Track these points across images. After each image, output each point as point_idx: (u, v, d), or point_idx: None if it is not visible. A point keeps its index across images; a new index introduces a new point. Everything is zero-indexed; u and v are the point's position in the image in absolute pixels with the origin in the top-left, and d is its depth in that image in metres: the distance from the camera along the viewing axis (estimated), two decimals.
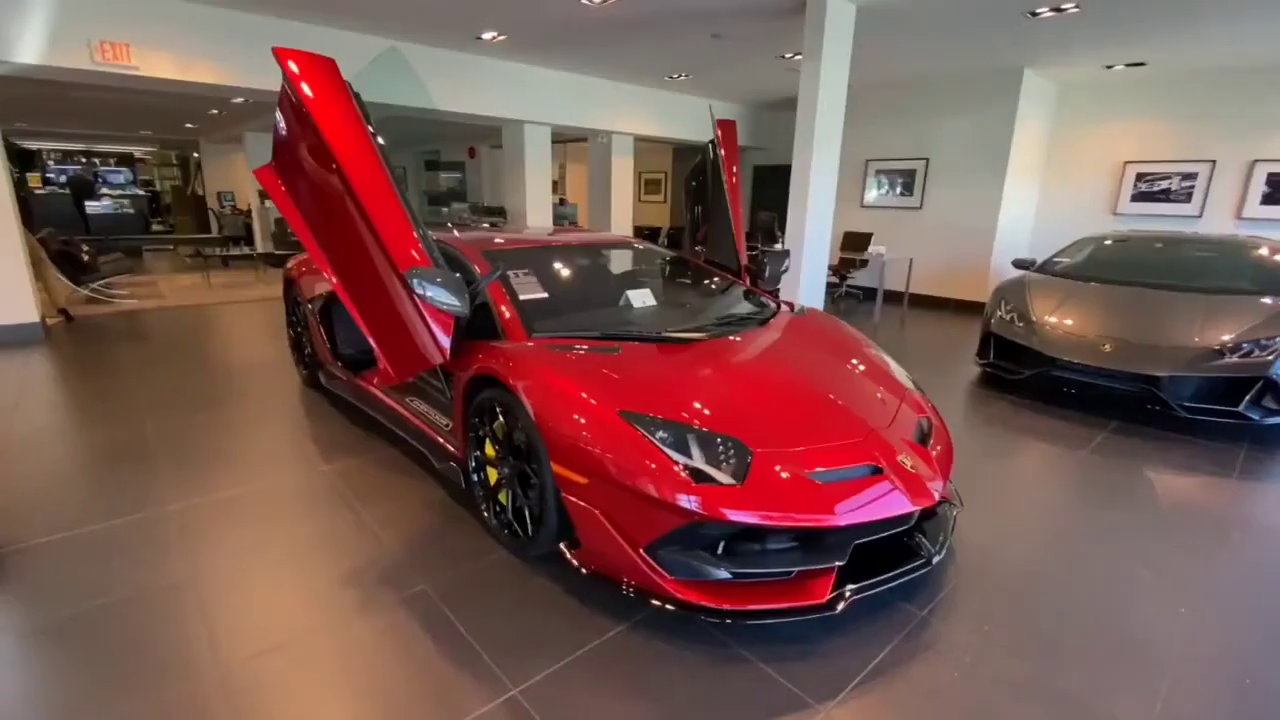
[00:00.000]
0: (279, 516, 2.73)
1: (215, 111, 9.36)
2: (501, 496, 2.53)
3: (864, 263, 8.42)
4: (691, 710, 1.75)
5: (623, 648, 1.98)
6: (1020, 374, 4.62)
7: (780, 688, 1.84)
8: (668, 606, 1.99)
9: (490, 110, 7.63)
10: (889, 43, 6.28)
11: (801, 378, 2.60)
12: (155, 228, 15.81)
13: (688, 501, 1.91)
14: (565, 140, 12.64)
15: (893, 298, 8.67)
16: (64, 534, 2.55)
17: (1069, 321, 4.54)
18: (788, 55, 7.07)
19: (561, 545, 2.26)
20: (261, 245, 11.15)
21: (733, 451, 2.04)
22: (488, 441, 2.55)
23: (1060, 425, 4.10)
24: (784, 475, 2.02)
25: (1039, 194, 8.73)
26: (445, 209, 13.42)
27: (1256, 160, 7.06)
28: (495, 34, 6.44)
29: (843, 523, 1.99)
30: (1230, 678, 1.94)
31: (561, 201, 12.36)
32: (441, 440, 2.90)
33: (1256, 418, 3.82)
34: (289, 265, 4.57)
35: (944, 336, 6.86)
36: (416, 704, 1.74)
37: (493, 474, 2.57)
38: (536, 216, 8.95)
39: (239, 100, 7.81)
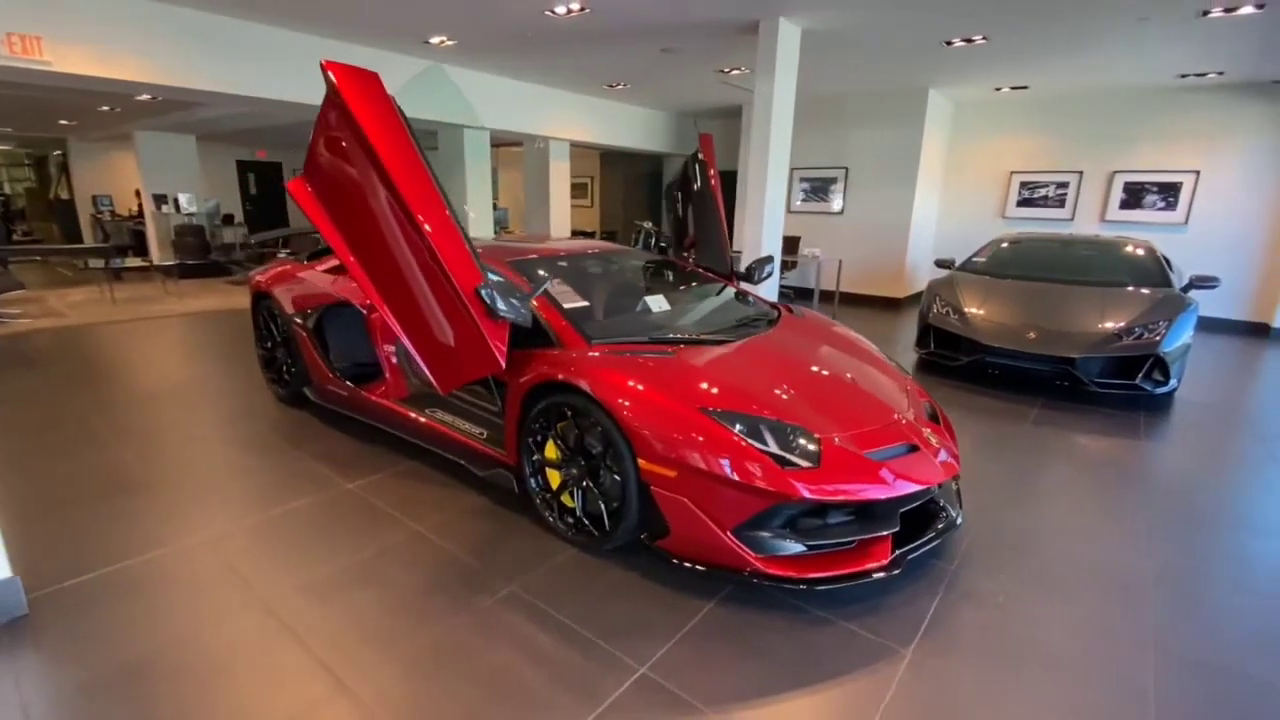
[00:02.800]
0: (326, 538, 2.67)
1: (107, 108, 8.45)
2: (565, 498, 2.65)
3: (793, 264, 9.03)
4: (801, 664, 1.99)
5: (719, 622, 2.18)
6: (959, 360, 5.24)
7: (865, 639, 2.11)
8: (764, 582, 2.21)
9: (428, 114, 7.48)
10: (819, 62, 6.81)
11: (827, 370, 2.91)
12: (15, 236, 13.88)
13: (777, 485, 2.14)
14: (496, 145, 12.47)
15: (822, 296, 9.34)
16: (98, 572, 2.38)
17: (996, 313, 5.20)
18: (727, 70, 7.49)
19: (643, 536, 2.42)
20: (159, 255, 10.16)
21: (801, 438, 2.29)
22: (549, 445, 2.65)
23: (998, 404, 4.71)
24: (848, 456, 2.30)
25: (939, 200, 9.75)
26: None
27: (1115, 171, 8.32)
28: (444, 38, 6.36)
29: (897, 494, 2.30)
30: (1191, 592, 2.43)
31: (494, 206, 12.18)
32: (484, 448, 2.95)
33: (1150, 388, 4.61)
34: (257, 278, 4.34)
35: (874, 330, 7.53)
36: (555, 693, 1.85)
37: (554, 476, 2.68)
38: (477, 221, 8.84)
39: (145, 96, 7.15)
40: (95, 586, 2.30)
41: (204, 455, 3.48)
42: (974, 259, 6.27)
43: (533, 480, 2.74)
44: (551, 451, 2.66)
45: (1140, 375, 4.63)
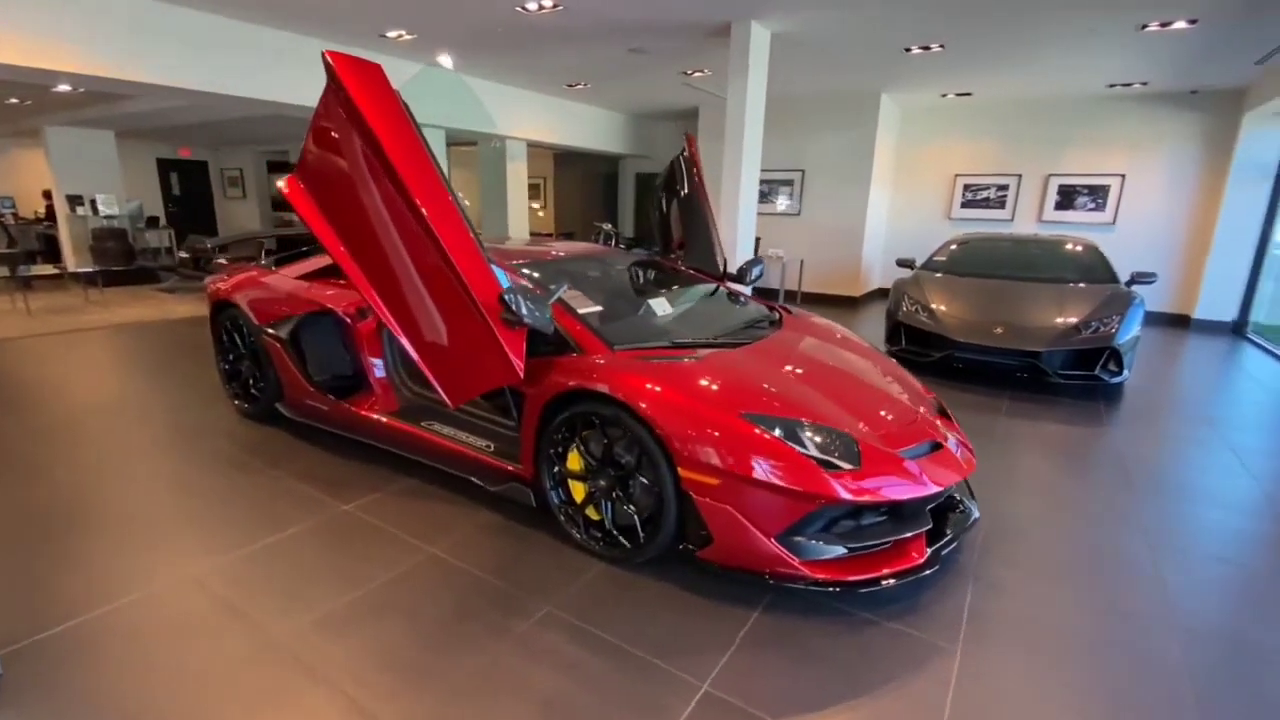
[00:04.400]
0: (331, 566, 2.48)
1: (16, 100, 7.65)
2: (590, 511, 2.55)
3: None
4: (859, 668, 1.98)
5: (768, 630, 2.15)
6: (931, 357, 5.41)
7: (914, 638, 2.12)
8: (810, 587, 2.18)
9: None
10: (781, 65, 6.89)
11: (842, 369, 2.93)
12: None
13: (822, 488, 2.12)
14: (448, 144, 12.09)
15: (785, 296, 9.52)
16: (75, 620, 2.11)
17: (963, 310, 5.41)
18: (689, 72, 7.51)
19: (682, 547, 2.35)
20: (74, 261, 9.31)
21: (838, 440, 2.28)
22: (573, 456, 2.54)
23: (971, 397, 4.90)
24: (884, 456, 2.31)
25: (889, 201, 10.10)
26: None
27: (1050, 174, 8.84)
28: (402, 33, 6.09)
29: (930, 492, 2.32)
30: (1185, 567, 2.57)
31: None
32: (496, 461, 2.80)
33: (1106, 378, 4.91)
34: (218, 285, 4.02)
35: None
36: (622, 717, 1.77)
37: (578, 488, 2.57)
38: None
39: (64, 88, 6.52)
40: (75, 639, 2.04)
41: (170, 480, 3.17)
42: (935, 258, 6.51)
43: (554, 494, 2.63)
44: (575, 463, 2.55)
45: (1098, 366, 4.92)
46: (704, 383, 2.44)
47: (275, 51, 5.97)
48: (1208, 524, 2.99)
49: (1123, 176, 8.41)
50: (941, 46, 6.06)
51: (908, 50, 6.23)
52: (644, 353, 2.62)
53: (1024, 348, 4.96)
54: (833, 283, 9.55)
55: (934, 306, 5.50)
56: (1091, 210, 8.72)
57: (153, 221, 10.72)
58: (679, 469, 2.23)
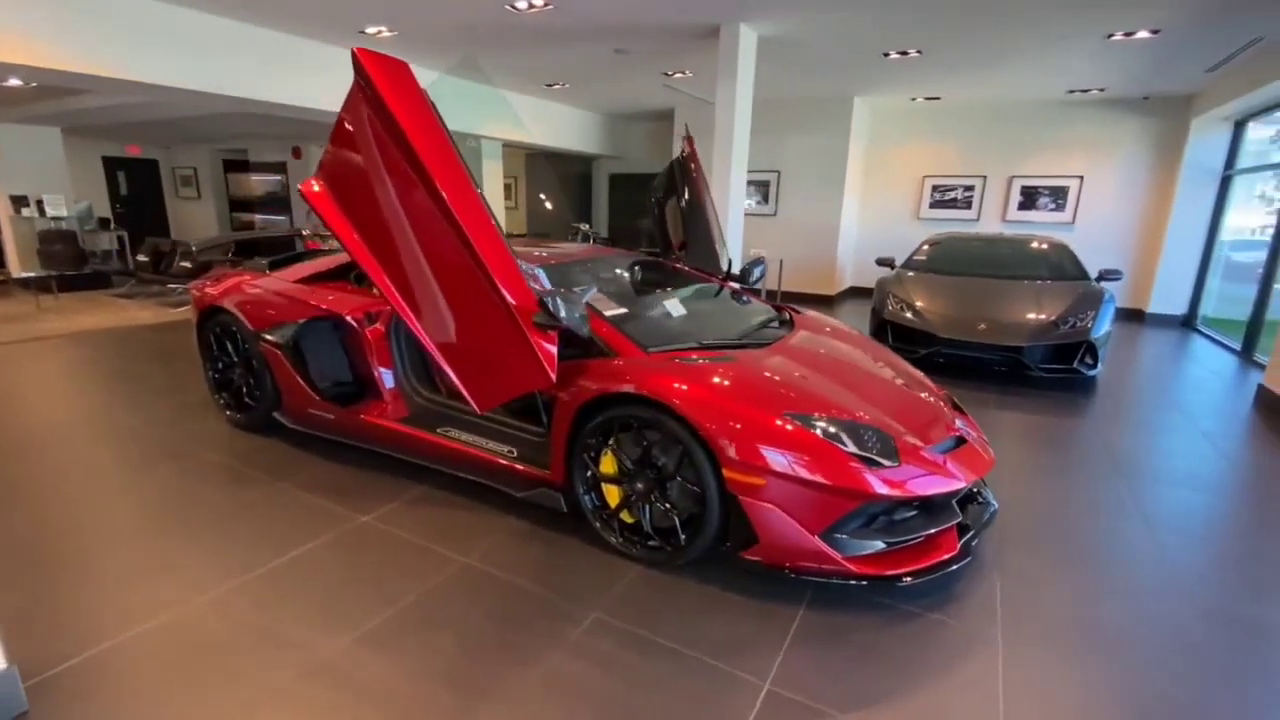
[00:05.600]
0: (364, 580, 2.40)
1: None
2: (625, 515, 2.54)
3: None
4: (909, 659, 2.02)
5: (816, 626, 2.18)
6: (917, 353, 5.56)
7: (955, 629, 2.19)
8: (858, 582, 2.22)
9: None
10: (761, 68, 6.97)
11: (864, 369, 2.99)
12: None
13: (864, 486, 2.16)
14: None
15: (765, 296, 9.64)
16: (97, 648, 2.00)
17: (947, 307, 5.58)
18: (670, 73, 7.54)
19: (725, 547, 2.35)
20: (19, 265, 8.76)
21: (875, 437, 2.33)
22: (607, 460, 2.53)
23: (960, 392, 5.04)
24: (918, 452, 2.37)
25: (860, 202, 10.34)
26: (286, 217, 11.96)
27: (1013, 176, 9.20)
28: (383, 29, 5.94)
29: (962, 486, 2.39)
30: (1183, 551, 2.72)
31: None
32: (523, 467, 2.76)
33: (1084, 371, 5.14)
34: (206, 289, 3.84)
35: None
36: None
37: (612, 492, 2.56)
38: None
39: (15, 82, 6.13)
40: (99, 668, 1.93)
41: (170, 497, 3.02)
42: (914, 258, 6.70)
43: (587, 498, 2.61)
44: (609, 466, 2.54)
45: (1076, 360, 5.15)
46: (744, 384, 2.45)
47: (252, 48, 5.75)
48: (1198, 507, 3.16)
49: (1081, 178, 8.81)
50: (919, 52, 6.24)
51: (886, 55, 6.39)
52: (678, 355, 2.62)
53: (1007, 343, 5.16)
54: (809, 282, 9.73)
55: (918, 304, 5.66)
56: (1052, 210, 9.12)
57: (104, 223, 10.17)
58: (724, 470, 2.24)
